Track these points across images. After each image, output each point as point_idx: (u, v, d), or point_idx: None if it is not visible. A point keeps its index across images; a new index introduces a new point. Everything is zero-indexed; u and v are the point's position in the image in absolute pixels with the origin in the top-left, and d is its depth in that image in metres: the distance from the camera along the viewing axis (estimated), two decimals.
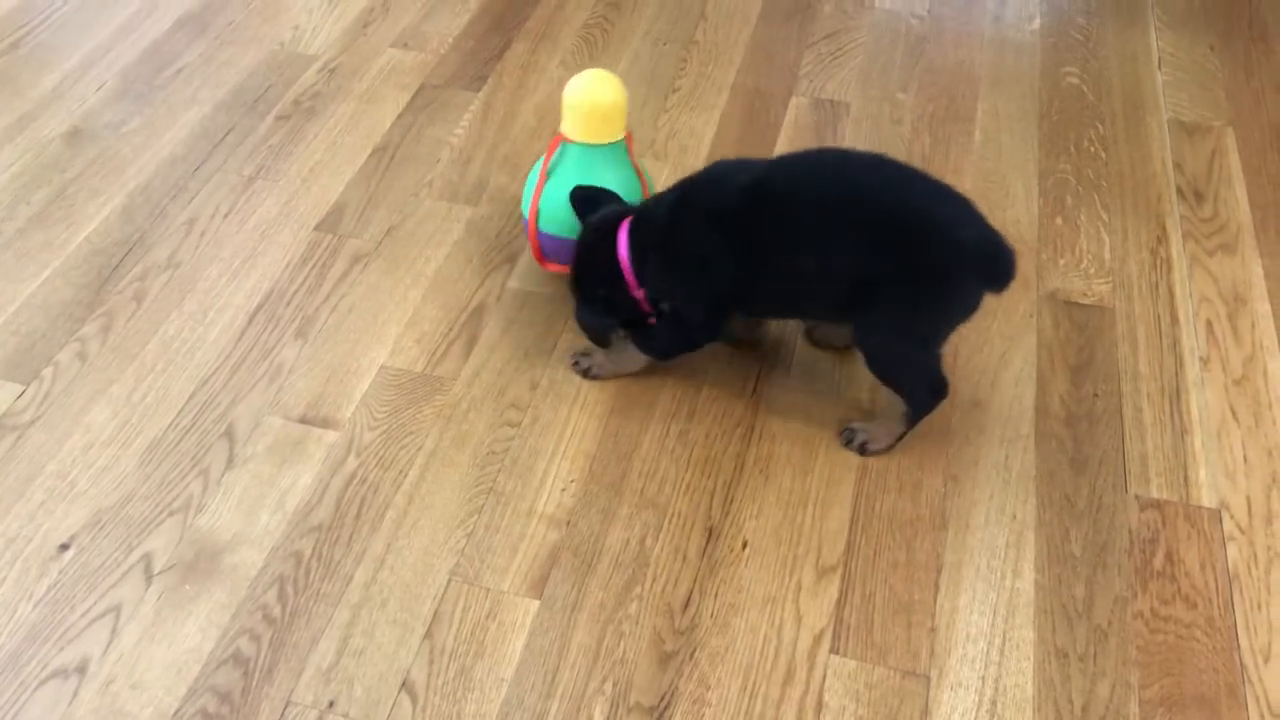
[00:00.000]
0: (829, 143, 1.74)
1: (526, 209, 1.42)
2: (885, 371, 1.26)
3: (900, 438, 1.28)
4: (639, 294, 1.29)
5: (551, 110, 1.79)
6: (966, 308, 1.21)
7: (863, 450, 1.28)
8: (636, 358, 1.35)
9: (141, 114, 1.76)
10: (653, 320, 1.32)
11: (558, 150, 1.40)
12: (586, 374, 1.36)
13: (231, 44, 1.92)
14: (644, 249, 1.27)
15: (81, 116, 1.75)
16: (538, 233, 1.42)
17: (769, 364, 1.39)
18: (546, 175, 1.41)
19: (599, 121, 1.37)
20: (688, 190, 1.26)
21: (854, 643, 1.12)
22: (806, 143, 1.74)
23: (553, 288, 1.48)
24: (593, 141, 1.38)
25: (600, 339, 1.35)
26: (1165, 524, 1.23)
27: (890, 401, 1.28)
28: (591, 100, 1.36)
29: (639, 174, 1.42)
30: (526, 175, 1.65)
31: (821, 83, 1.87)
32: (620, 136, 1.39)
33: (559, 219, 1.39)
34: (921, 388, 1.25)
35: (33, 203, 1.59)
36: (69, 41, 1.91)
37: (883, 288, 1.16)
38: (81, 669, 1.07)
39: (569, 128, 1.38)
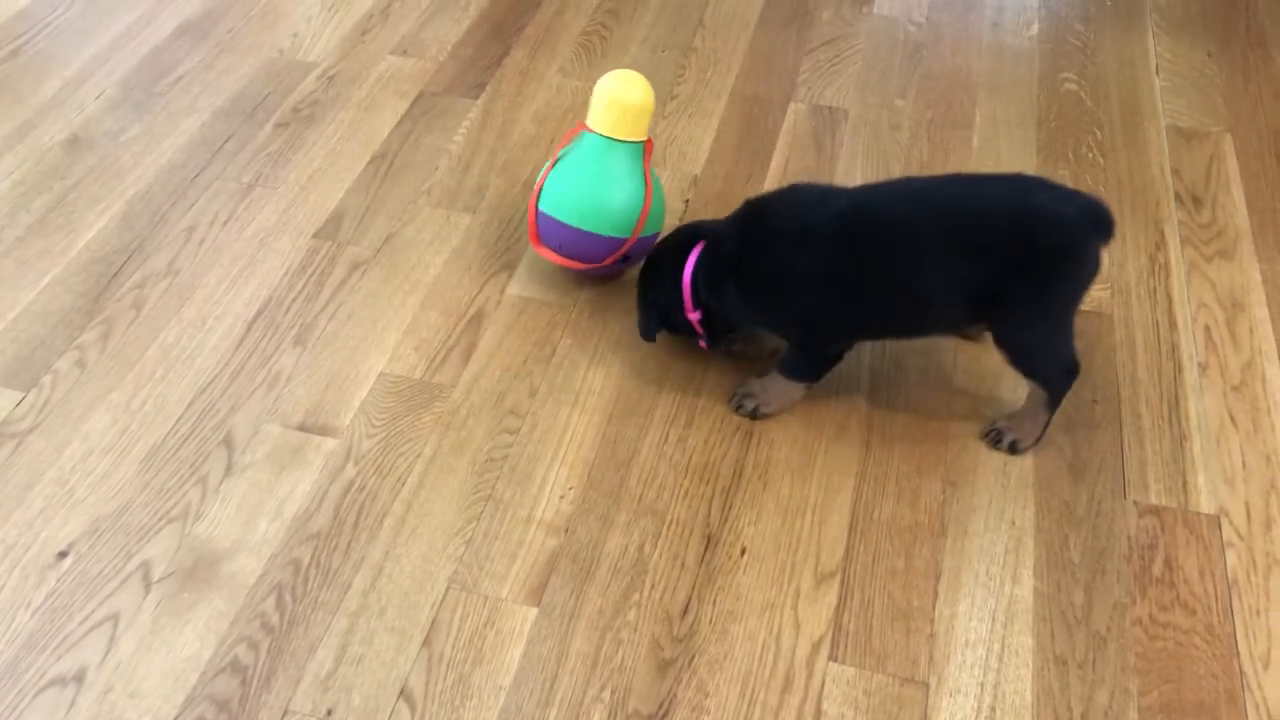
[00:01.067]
0: (827, 151, 1.74)
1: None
2: (1030, 364, 1.25)
3: (1046, 426, 1.27)
4: (693, 316, 1.31)
5: (550, 117, 1.79)
6: (1090, 272, 1.21)
7: (1014, 449, 1.28)
8: (794, 386, 1.31)
9: (141, 121, 1.76)
10: (702, 343, 1.35)
11: (576, 137, 1.42)
12: (754, 414, 1.32)
13: (231, 51, 1.92)
14: (716, 275, 1.27)
15: (81, 124, 1.75)
16: (537, 213, 1.42)
17: (766, 369, 1.39)
18: (556, 158, 1.42)
19: (625, 118, 1.39)
20: (768, 215, 1.25)
21: (853, 650, 1.11)
22: (805, 149, 1.74)
23: (552, 294, 1.48)
24: (614, 136, 1.39)
25: (648, 336, 1.37)
26: (1164, 530, 1.23)
27: (1030, 395, 1.28)
28: (623, 95, 1.38)
29: (647, 182, 1.42)
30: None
31: (820, 89, 1.88)
32: (641, 139, 1.41)
33: (560, 203, 1.40)
34: (1058, 371, 1.25)
35: (32, 210, 1.59)
36: (69, 49, 1.91)
37: (1010, 288, 1.17)
38: (80, 677, 1.07)
39: (594, 118, 1.40)
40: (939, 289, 1.20)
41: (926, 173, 1.70)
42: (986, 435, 1.31)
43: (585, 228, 1.39)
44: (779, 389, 1.32)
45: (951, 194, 1.22)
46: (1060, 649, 1.12)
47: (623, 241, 1.40)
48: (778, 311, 1.26)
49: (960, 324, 1.32)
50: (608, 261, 1.41)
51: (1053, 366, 1.25)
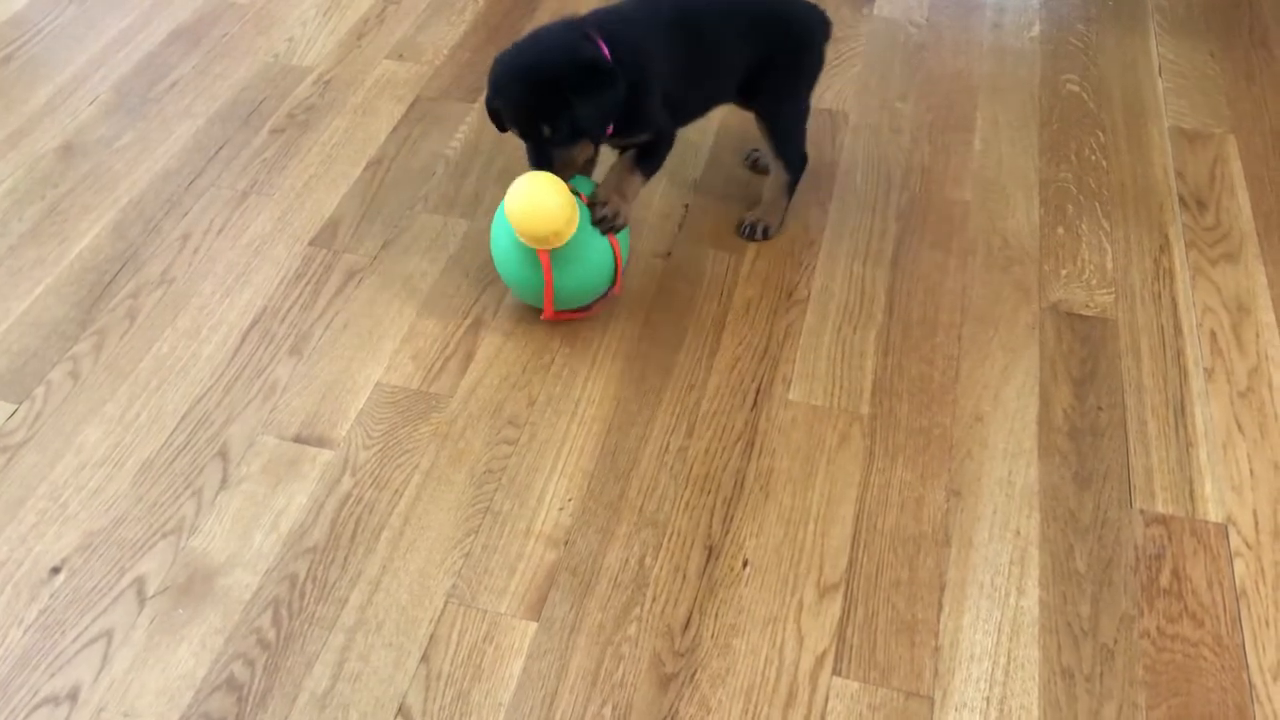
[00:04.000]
0: (828, 155, 1.72)
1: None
2: (784, 141, 1.55)
3: (784, 211, 1.58)
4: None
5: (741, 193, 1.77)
6: (819, 65, 1.58)
7: (765, 234, 1.56)
8: (634, 186, 1.43)
9: (134, 128, 1.74)
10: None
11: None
12: (616, 223, 1.39)
13: (225, 57, 1.91)
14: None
15: (74, 131, 1.73)
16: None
17: (768, 377, 1.37)
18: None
19: (541, 240, 1.32)
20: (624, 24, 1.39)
21: (856, 663, 1.10)
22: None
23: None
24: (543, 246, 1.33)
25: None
26: (1171, 539, 1.21)
27: (770, 185, 1.57)
28: (527, 229, 1.31)
29: (613, 245, 1.39)
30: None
31: (820, 92, 1.85)
32: (571, 231, 1.33)
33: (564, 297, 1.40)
34: (798, 156, 1.57)
35: (25, 219, 1.58)
36: (61, 56, 1.90)
37: (776, 67, 1.50)
38: (73, 696, 1.06)
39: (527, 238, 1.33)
40: (733, 67, 1.50)
41: (926, 176, 1.68)
42: (740, 232, 1.57)
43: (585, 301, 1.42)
44: (632, 185, 1.42)
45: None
46: (1067, 662, 1.10)
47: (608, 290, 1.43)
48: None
49: (746, 93, 1.54)
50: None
51: (796, 149, 1.57)
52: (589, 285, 1.39)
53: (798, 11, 1.54)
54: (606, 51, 1.33)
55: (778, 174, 1.56)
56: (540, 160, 1.34)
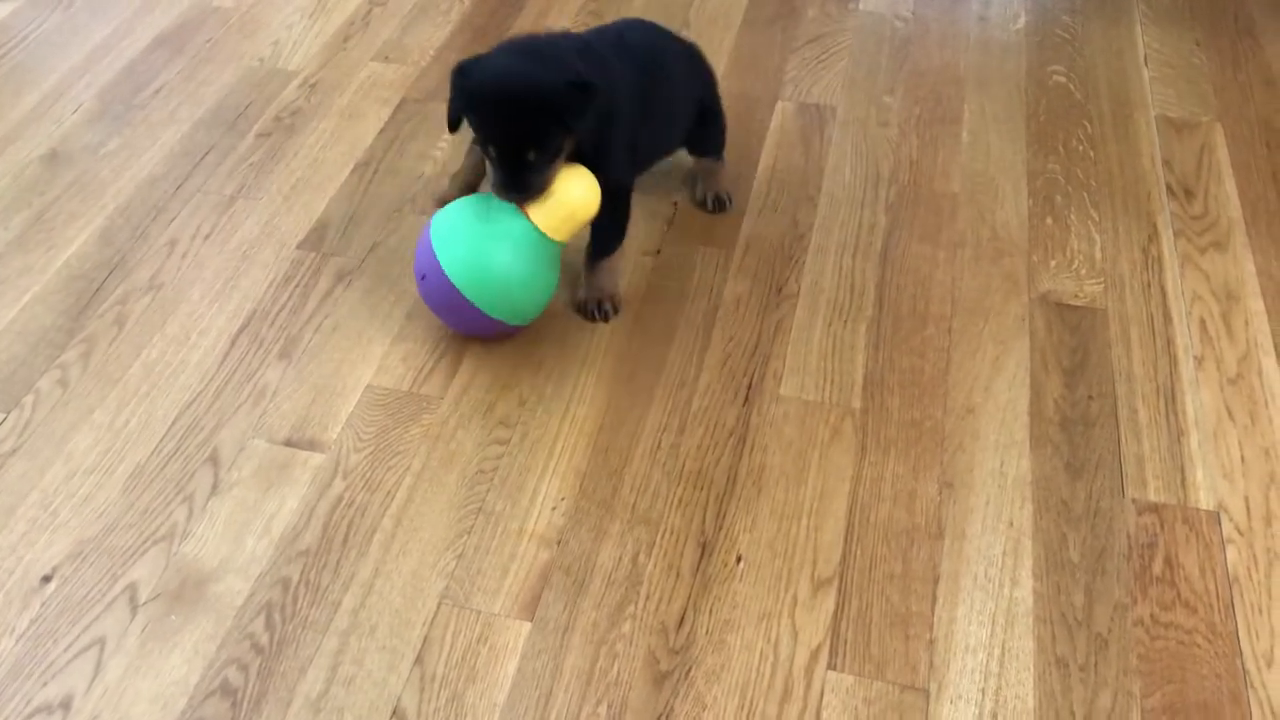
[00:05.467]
0: (816, 150, 1.72)
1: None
2: (719, 141, 1.62)
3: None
4: None
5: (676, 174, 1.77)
6: None
7: (730, 201, 1.61)
8: (619, 260, 1.46)
9: (120, 135, 1.74)
10: None
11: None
12: (612, 310, 1.44)
13: (210, 62, 1.90)
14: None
15: (59, 139, 1.73)
16: (432, 255, 1.34)
17: (759, 373, 1.37)
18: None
19: (572, 223, 1.33)
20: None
21: (851, 657, 1.10)
22: (793, 147, 1.73)
23: None
24: (555, 237, 1.33)
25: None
26: (1164, 528, 1.21)
27: (704, 168, 1.63)
28: (586, 205, 1.33)
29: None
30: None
31: (807, 87, 1.86)
32: (565, 240, 1.35)
33: (467, 276, 1.31)
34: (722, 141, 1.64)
35: (11, 227, 1.57)
36: (45, 63, 1.89)
37: (709, 111, 1.59)
38: (66, 704, 1.05)
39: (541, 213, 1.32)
40: (688, 110, 1.56)
41: (915, 169, 1.68)
42: (708, 207, 1.61)
43: (480, 308, 1.32)
44: (614, 270, 1.45)
45: (658, 38, 1.54)
46: (1061, 652, 1.10)
47: (499, 324, 1.35)
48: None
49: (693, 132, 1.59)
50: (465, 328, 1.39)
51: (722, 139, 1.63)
52: (525, 303, 1.36)
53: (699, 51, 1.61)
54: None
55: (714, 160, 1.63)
56: (513, 183, 1.28)
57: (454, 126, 1.35)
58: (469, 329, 1.38)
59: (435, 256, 1.31)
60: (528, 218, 1.31)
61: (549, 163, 1.29)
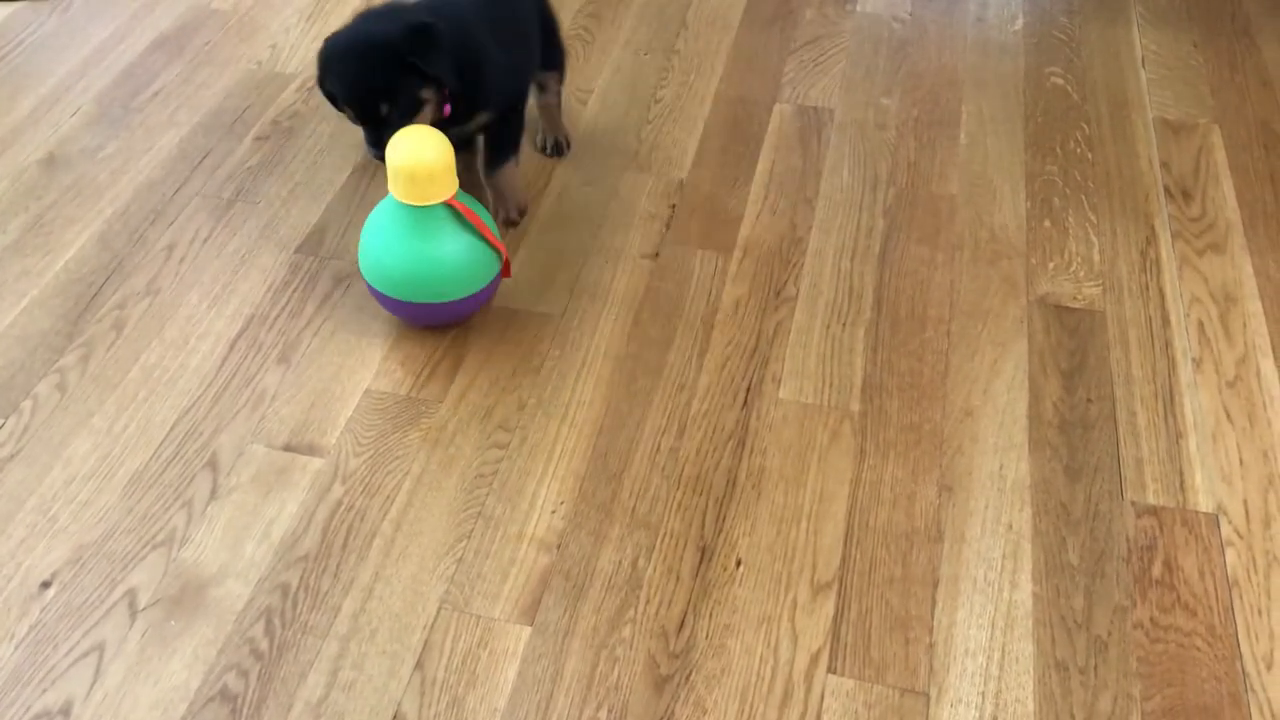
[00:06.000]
0: (814, 152, 1.72)
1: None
2: (562, 71, 1.69)
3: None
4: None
5: (532, 125, 1.77)
6: None
7: (569, 145, 1.69)
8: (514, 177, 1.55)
9: (118, 138, 1.73)
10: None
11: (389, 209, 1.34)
12: (520, 217, 1.56)
13: (208, 65, 1.90)
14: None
15: (57, 142, 1.73)
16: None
17: (758, 376, 1.37)
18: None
19: (420, 183, 1.28)
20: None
21: (851, 661, 1.10)
22: (791, 150, 1.73)
23: (540, 305, 1.46)
24: (414, 202, 1.30)
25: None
26: (1163, 530, 1.21)
27: (544, 106, 1.70)
28: (409, 162, 1.27)
29: (484, 231, 1.35)
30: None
31: (805, 89, 1.86)
32: (444, 198, 1.30)
33: (382, 276, 1.36)
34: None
35: (8, 231, 1.57)
36: (42, 67, 1.89)
37: (545, 15, 1.63)
38: (65, 711, 1.05)
39: (394, 188, 1.30)
40: (532, 27, 1.58)
41: (913, 171, 1.68)
42: (546, 151, 1.69)
43: (412, 300, 1.35)
44: (512, 179, 1.54)
45: None
46: (1061, 655, 1.11)
47: (448, 306, 1.36)
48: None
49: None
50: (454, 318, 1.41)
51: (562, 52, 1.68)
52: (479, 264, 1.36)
53: None
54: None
55: (551, 94, 1.68)
56: (374, 139, 1.31)
57: (331, 101, 1.37)
58: (433, 320, 1.40)
59: (360, 270, 1.39)
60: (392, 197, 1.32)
61: (407, 117, 1.32)
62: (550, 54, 1.64)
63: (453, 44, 1.33)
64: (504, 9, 1.50)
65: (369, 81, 1.30)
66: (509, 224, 1.54)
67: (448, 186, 1.30)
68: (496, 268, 1.38)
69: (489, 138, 1.51)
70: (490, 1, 1.47)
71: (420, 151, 1.27)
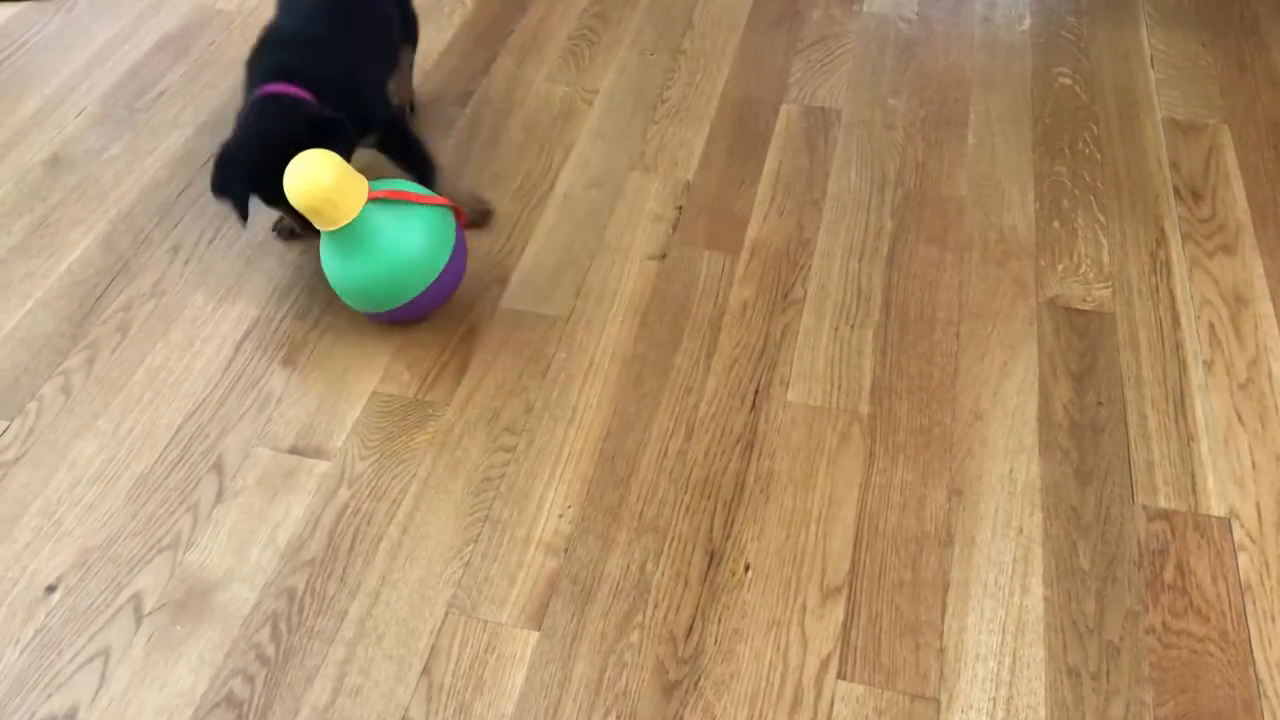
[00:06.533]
0: (821, 153, 1.72)
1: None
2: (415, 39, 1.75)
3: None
4: None
5: (539, 124, 1.77)
6: None
7: (412, 109, 1.76)
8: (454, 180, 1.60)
9: (122, 139, 1.73)
10: None
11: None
12: (481, 216, 1.57)
13: (213, 65, 1.89)
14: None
15: (61, 143, 1.72)
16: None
17: (766, 378, 1.36)
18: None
19: (335, 206, 1.27)
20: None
21: (861, 666, 1.09)
22: (798, 151, 1.72)
23: (546, 307, 1.45)
24: (339, 225, 1.29)
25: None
26: (1174, 535, 1.21)
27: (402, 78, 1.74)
28: (315, 196, 1.26)
29: (417, 199, 1.34)
30: (518, 188, 1.63)
31: (812, 90, 1.85)
32: (357, 210, 1.28)
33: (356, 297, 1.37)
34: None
35: (13, 233, 1.56)
36: (47, 67, 1.88)
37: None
38: (70, 716, 1.05)
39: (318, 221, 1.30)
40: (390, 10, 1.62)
41: (921, 172, 1.68)
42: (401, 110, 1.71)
43: (379, 309, 1.37)
44: (454, 184, 1.56)
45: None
46: (1073, 660, 1.10)
47: (408, 306, 1.37)
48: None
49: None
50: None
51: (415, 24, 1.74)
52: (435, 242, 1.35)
53: None
54: (309, 94, 1.37)
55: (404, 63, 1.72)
56: (309, 224, 1.34)
57: (238, 205, 1.39)
58: (437, 302, 1.41)
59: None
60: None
61: None
62: (406, 29, 1.69)
63: (338, 87, 1.40)
64: (363, 7, 1.54)
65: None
66: (477, 225, 1.56)
67: (358, 193, 1.28)
68: (451, 221, 1.38)
69: (401, 163, 1.52)
70: (347, 10, 1.51)
71: (314, 181, 1.25)
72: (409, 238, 1.32)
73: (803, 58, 1.93)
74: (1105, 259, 1.54)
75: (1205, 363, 1.39)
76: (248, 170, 1.36)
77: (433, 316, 1.44)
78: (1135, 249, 1.56)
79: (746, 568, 1.17)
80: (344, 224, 1.28)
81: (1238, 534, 1.21)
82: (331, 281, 1.36)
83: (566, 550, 1.18)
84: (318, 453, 1.28)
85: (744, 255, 1.54)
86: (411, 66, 1.75)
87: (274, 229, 1.56)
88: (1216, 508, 1.23)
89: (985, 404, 1.34)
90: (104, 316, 1.44)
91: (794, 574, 1.17)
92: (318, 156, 1.26)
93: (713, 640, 1.11)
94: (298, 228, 1.47)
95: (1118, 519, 1.22)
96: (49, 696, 1.06)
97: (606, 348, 1.40)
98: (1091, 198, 1.64)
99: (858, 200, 1.63)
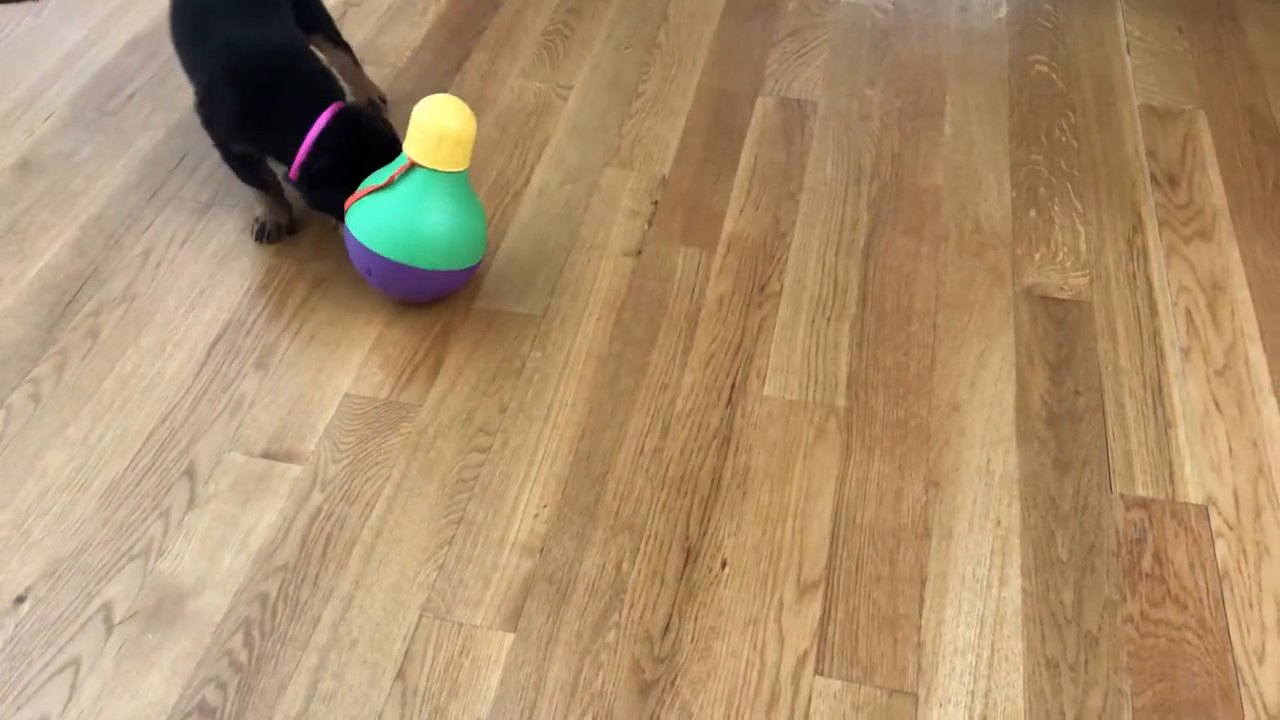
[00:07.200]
0: (797, 145, 1.71)
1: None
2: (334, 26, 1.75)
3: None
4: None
5: (514, 120, 1.75)
6: None
7: (384, 101, 1.78)
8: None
9: (92, 142, 1.71)
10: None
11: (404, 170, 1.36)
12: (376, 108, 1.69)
13: None
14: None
15: (30, 147, 1.70)
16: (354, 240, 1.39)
17: (742, 373, 1.36)
18: (384, 185, 1.36)
19: (443, 146, 1.33)
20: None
21: (839, 662, 1.09)
22: (774, 143, 1.71)
23: (521, 306, 1.44)
24: (436, 167, 1.34)
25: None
26: (1152, 523, 1.20)
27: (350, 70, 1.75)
28: (444, 124, 1.33)
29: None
30: (492, 184, 1.62)
31: (788, 81, 1.84)
32: (463, 167, 1.36)
33: (381, 237, 1.36)
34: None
35: None
36: (15, 71, 1.86)
37: None
38: None
39: (416, 149, 1.34)
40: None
41: (897, 162, 1.67)
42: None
43: (439, 269, 1.38)
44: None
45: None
46: (1051, 651, 1.09)
47: (465, 273, 1.41)
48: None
49: None
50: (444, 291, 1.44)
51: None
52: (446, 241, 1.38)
53: None
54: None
55: (345, 55, 1.74)
56: (341, 214, 1.43)
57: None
58: (440, 291, 1.42)
59: (372, 250, 1.36)
60: (415, 164, 1.34)
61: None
62: (313, 18, 1.69)
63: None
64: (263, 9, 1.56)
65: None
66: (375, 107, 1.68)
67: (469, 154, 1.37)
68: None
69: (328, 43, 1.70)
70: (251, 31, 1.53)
71: (469, 115, 1.36)
72: (479, 215, 1.41)
73: (779, 49, 1.92)
74: (1082, 247, 1.53)
75: (1182, 350, 1.39)
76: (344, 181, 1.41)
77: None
78: (1112, 236, 1.55)
79: (723, 564, 1.16)
80: (456, 170, 1.35)
81: (1215, 521, 1.20)
82: (446, 231, 1.36)
83: (542, 551, 1.18)
84: (290, 456, 1.26)
85: (720, 250, 1.53)
86: (357, 65, 1.75)
87: (254, 232, 1.55)
88: (1194, 495, 1.23)
89: (962, 395, 1.33)
90: (74, 323, 1.43)
91: (771, 570, 1.16)
92: (459, 103, 1.36)
93: (689, 638, 1.10)
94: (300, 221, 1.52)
95: (1095, 508, 1.22)
96: (18, 709, 1.05)
97: (582, 346, 1.39)
98: (1068, 186, 1.64)
99: (834, 193, 1.62)
